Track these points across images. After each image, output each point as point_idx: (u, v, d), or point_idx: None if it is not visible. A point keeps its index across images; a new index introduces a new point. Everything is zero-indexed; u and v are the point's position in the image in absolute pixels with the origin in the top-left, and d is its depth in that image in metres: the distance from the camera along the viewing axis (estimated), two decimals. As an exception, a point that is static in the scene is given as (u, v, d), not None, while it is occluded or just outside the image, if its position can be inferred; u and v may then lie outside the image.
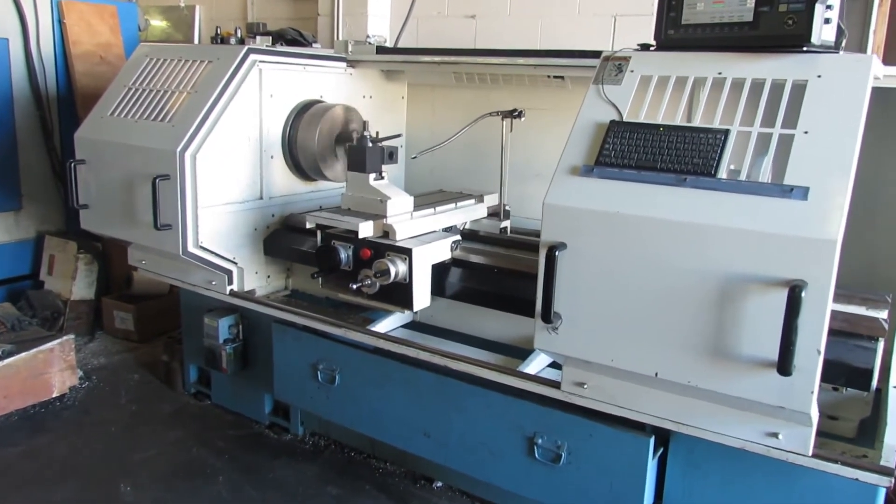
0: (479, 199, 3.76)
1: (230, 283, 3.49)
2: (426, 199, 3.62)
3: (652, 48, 2.46)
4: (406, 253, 2.95)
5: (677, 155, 2.09)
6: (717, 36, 2.27)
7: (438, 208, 3.46)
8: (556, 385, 2.54)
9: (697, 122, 2.16)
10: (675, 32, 2.37)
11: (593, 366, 2.34)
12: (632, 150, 2.16)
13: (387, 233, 3.07)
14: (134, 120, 3.44)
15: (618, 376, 2.31)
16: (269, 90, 3.53)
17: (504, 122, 3.63)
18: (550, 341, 2.29)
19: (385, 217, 3.11)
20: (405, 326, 3.35)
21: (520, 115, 3.54)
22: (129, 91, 3.57)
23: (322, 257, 3.13)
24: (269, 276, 3.75)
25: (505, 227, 3.72)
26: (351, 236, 3.06)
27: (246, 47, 3.40)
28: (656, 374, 2.12)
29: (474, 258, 3.25)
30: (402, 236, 3.06)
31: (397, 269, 2.96)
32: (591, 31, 4.41)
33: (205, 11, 6.35)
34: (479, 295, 3.15)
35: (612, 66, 2.39)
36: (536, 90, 3.82)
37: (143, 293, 5.04)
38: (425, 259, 3.04)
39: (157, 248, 3.39)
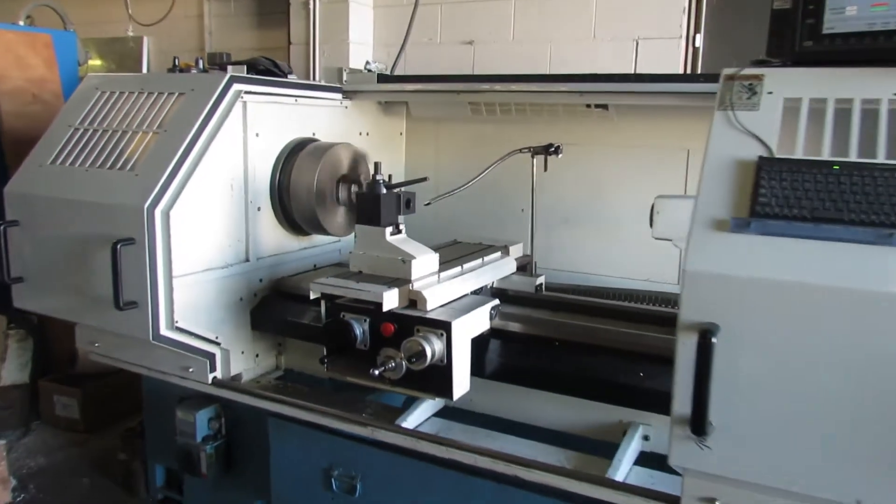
0: (505, 251, 3.16)
1: (213, 369, 2.78)
2: (446, 254, 2.99)
3: (776, 64, 1.93)
4: (443, 328, 2.31)
5: (868, 202, 1.54)
6: (878, 47, 1.76)
7: (465, 266, 2.84)
8: (673, 501, 1.93)
9: (882, 157, 1.62)
10: (813, 44, 1.84)
11: (730, 479, 1.75)
12: (800, 196, 1.60)
13: (413, 301, 2.43)
14: (84, 169, 2.72)
15: (768, 493, 1.71)
16: (255, 128, 2.87)
17: (535, 160, 3.07)
18: (700, 458, 1.68)
19: (410, 281, 2.47)
20: (439, 415, 2.70)
21: (556, 151, 2.98)
22: (75, 133, 2.85)
23: (331, 336, 2.45)
24: (257, 356, 3.04)
25: (540, 285, 3.12)
26: (366, 307, 2.40)
27: (228, 75, 2.74)
28: (857, 503, 1.54)
29: (516, 327, 2.63)
30: (433, 305, 2.42)
31: (433, 348, 2.32)
32: (610, 58, 3.93)
33: (154, 43, 5.65)
34: (534, 374, 2.53)
35: (740, 86, 1.85)
36: (567, 122, 3.28)
37: (92, 372, 4.22)
38: (465, 334, 2.41)
39: (119, 332, 2.65)
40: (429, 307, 2.40)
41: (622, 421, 2.46)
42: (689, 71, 3.80)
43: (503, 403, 2.70)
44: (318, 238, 3.30)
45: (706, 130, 3.14)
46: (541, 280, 3.12)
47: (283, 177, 3.02)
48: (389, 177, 2.61)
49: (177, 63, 3.14)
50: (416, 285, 2.45)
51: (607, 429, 2.49)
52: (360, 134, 3.52)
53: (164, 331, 2.55)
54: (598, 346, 2.43)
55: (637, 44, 3.87)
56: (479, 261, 2.93)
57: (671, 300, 2.88)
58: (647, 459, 2.38)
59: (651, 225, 2.46)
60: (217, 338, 2.78)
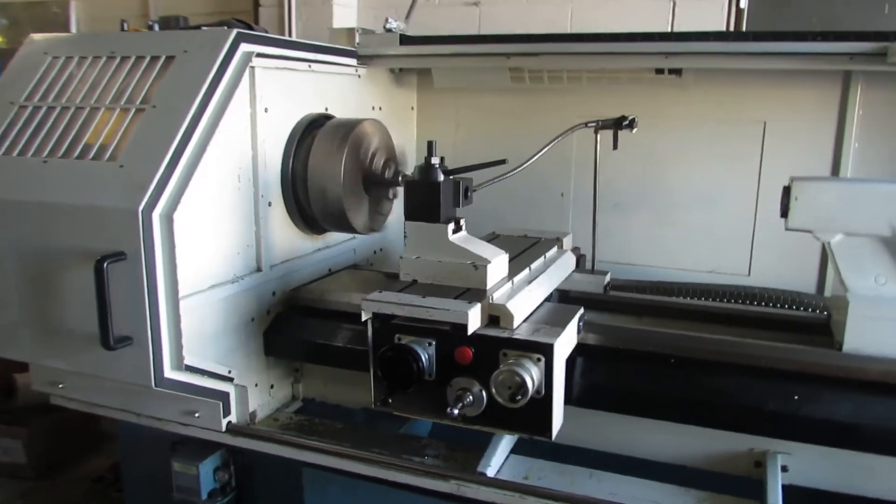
0: (559, 244, 2.66)
1: (227, 412, 2.17)
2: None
3: None
4: (541, 351, 1.79)
5: None
6: None
7: (532, 266, 2.32)
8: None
9: None
10: None
11: None
12: None
13: (494, 318, 1.91)
14: (40, 160, 2.04)
15: None
16: (265, 101, 2.25)
17: (598, 136, 2.57)
18: None
19: (485, 292, 1.94)
20: (517, 450, 2.18)
21: (631, 124, 2.49)
22: (21, 112, 2.16)
23: (389, 366, 1.89)
24: (272, 387, 2.44)
25: (607, 284, 2.64)
26: (431, 327, 1.86)
27: (234, 31, 2.10)
28: None
29: (605, 339, 2.14)
30: (518, 321, 1.91)
31: (532, 377, 1.80)
32: (642, 20, 3.45)
33: (83, 9, 4.80)
34: (642, 400, 2.04)
35: None
36: (626, 92, 2.81)
37: (36, 404, 3.48)
38: (563, 356, 1.91)
39: (107, 377, 2.01)
40: (515, 324, 1.89)
41: (753, 450, 2.01)
42: (732, 32, 3.38)
43: (591, 432, 2.20)
44: (331, 237, 2.71)
45: (788, 99, 2.76)
46: (608, 278, 2.65)
47: (296, 163, 2.41)
48: (442, 159, 2.06)
49: (125, 28, 2.48)
50: (497, 297, 1.93)
51: (734, 459, 2.04)
52: (374, 109, 2.93)
53: (169, 373, 1.93)
54: (726, 363, 1.97)
55: (674, 4, 3.41)
56: (541, 259, 2.42)
57: (760, 296, 2.46)
58: (793, 497, 1.94)
59: (783, 213, 2.00)
60: (230, 372, 2.18)
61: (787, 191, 1.98)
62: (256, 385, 2.35)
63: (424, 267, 2.01)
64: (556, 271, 2.43)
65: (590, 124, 2.51)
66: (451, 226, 2.00)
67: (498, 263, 2.03)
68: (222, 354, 2.17)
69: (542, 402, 1.82)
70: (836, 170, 2.66)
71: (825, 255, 2.73)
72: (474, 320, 1.83)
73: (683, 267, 2.96)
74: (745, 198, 2.83)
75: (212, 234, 2.07)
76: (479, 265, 1.96)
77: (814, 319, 2.22)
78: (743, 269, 2.88)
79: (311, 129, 2.46)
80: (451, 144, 3.22)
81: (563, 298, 2.51)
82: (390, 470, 2.03)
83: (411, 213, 1.97)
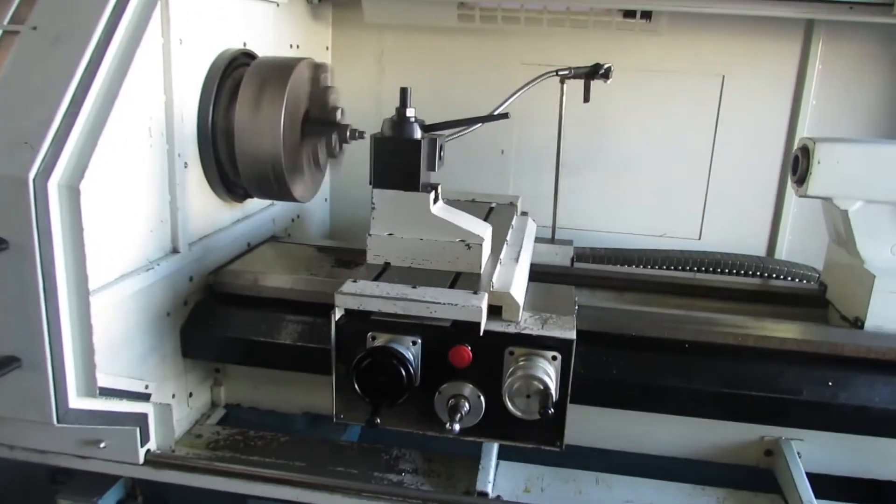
0: (515, 210, 2.36)
1: (145, 439, 1.66)
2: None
3: None
4: (559, 348, 1.50)
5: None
6: None
7: (508, 239, 2.00)
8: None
9: None
10: None
11: None
12: None
13: (496, 308, 1.57)
14: None
15: None
16: (180, 30, 1.70)
17: (564, 87, 2.29)
18: None
19: (479, 276, 1.61)
20: (503, 456, 1.88)
21: (606, 74, 2.21)
22: None
23: (376, 377, 1.50)
24: (190, 395, 1.95)
25: (574, 257, 2.39)
26: (408, 322, 1.49)
27: (144, -69, 1.53)
28: None
29: (601, 325, 1.86)
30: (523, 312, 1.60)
31: (551, 380, 1.50)
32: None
33: None
34: (650, 393, 1.80)
35: None
36: (582, 38, 2.54)
37: None
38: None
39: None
40: (520, 316, 1.57)
41: (764, 438, 1.86)
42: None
43: (585, 428, 1.93)
44: (249, 205, 2.21)
45: (749, 52, 2.60)
46: (570, 249, 2.39)
47: (217, 113, 1.89)
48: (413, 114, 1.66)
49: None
50: (495, 283, 1.60)
51: (744, 450, 1.88)
52: (291, 47, 2.42)
53: (76, 401, 1.41)
54: (739, 346, 1.78)
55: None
56: (510, 230, 2.10)
57: (734, 264, 2.33)
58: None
59: (799, 179, 1.83)
60: (147, 387, 1.67)
61: (805, 153, 1.80)
62: (174, 396, 1.86)
63: (400, 246, 1.62)
64: (529, 244, 2.13)
65: (561, 72, 2.20)
66: (432, 195, 1.63)
67: (488, 240, 1.69)
68: (135, 364, 1.66)
69: (556, 407, 1.52)
70: (792, 129, 2.57)
71: (777, 219, 2.66)
72: (480, 314, 1.48)
73: (633, 231, 2.78)
74: (699, 157, 2.68)
75: (119, 209, 1.54)
76: (473, 244, 1.61)
77: (805, 291, 2.10)
78: (694, 232, 2.75)
79: (231, 71, 1.94)
80: (376, 92, 2.78)
81: (532, 275, 2.22)
82: (367, 500, 1.66)
83: (381, 179, 1.57)
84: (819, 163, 1.76)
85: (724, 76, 2.58)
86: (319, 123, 1.99)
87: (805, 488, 1.67)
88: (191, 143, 1.83)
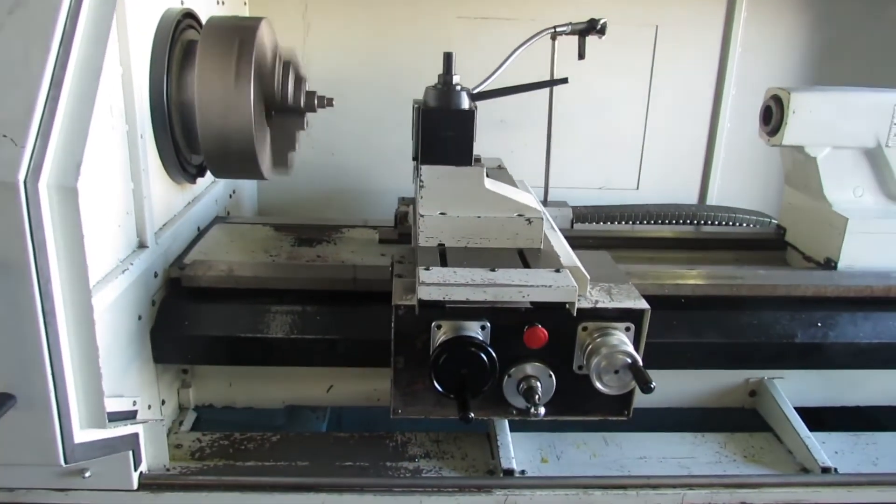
0: (506, 172, 2.30)
1: (137, 462, 1.46)
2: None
3: None
4: (633, 318, 1.48)
5: None
6: None
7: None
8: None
9: None
10: None
11: None
12: None
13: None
14: None
15: None
16: (128, -10, 1.45)
17: (555, 44, 2.25)
18: None
19: (539, 251, 1.52)
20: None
21: (602, 30, 2.18)
22: None
23: (459, 367, 1.36)
24: (163, 402, 1.74)
25: (573, 218, 2.39)
26: (474, 306, 1.39)
27: None
28: None
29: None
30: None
31: (635, 353, 1.46)
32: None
33: None
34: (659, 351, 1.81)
35: None
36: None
37: None
38: None
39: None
40: (589, 289, 1.50)
41: (749, 380, 1.96)
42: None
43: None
44: (197, 186, 1.98)
45: (679, 1, 2.65)
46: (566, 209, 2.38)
47: (169, 82, 1.64)
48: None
49: None
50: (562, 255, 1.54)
51: (729, 393, 1.97)
52: (218, 3, 2.15)
53: (81, 434, 1.20)
54: (731, 297, 1.85)
55: None
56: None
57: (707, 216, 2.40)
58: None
59: (772, 130, 1.90)
60: (135, 403, 1.46)
61: (778, 103, 1.87)
62: (150, 407, 1.65)
63: (455, 226, 1.47)
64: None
65: (559, 28, 2.14)
66: (484, 169, 1.53)
67: (540, 210, 1.60)
68: (117, 379, 1.45)
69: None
70: (721, 78, 2.67)
71: (708, 166, 2.78)
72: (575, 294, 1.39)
73: (573, 185, 2.79)
74: (635, 108, 2.73)
75: (92, 206, 1.30)
76: (533, 218, 1.50)
77: (765, 235, 2.22)
78: (632, 183, 2.81)
79: (177, 34, 1.69)
80: (300, 53, 2.54)
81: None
82: (399, 496, 1.56)
83: (430, 154, 1.45)
84: (794, 112, 1.83)
85: (657, 26, 2.63)
86: (285, 91, 1.79)
87: (798, 423, 1.78)
88: (146, 120, 1.58)
